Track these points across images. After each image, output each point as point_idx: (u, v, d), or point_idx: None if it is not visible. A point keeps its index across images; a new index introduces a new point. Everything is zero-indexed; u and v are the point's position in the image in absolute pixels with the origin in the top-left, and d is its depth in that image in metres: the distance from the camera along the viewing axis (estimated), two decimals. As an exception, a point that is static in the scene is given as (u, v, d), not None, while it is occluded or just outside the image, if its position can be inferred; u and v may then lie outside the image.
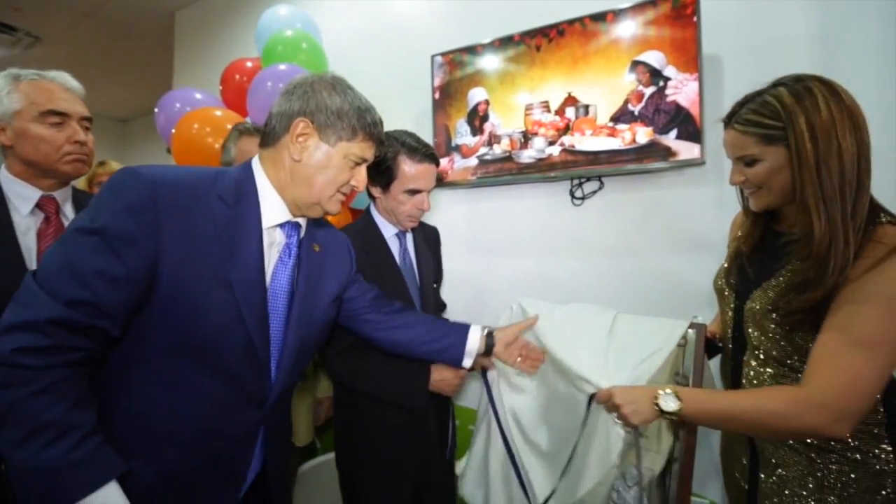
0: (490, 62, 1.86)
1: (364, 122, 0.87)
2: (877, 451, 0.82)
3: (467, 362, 1.15)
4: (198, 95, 1.98)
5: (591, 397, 0.98)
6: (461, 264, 1.96)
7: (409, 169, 1.22)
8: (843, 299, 0.78)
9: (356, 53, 2.26)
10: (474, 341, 1.14)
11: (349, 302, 1.09)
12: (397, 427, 1.26)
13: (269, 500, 0.92)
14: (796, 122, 0.80)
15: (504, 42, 1.82)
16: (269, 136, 0.87)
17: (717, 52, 1.50)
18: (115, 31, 3.46)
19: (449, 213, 2.01)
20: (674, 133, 1.53)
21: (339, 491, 1.34)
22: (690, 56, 1.48)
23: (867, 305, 0.75)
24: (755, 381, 0.93)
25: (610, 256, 1.68)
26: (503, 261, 1.90)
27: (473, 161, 1.93)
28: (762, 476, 0.93)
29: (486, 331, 1.17)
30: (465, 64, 1.91)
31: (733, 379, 1.01)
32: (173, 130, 1.77)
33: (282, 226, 0.88)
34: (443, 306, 1.61)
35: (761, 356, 0.92)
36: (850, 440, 0.83)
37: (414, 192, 1.24)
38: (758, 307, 0.90)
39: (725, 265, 1.05)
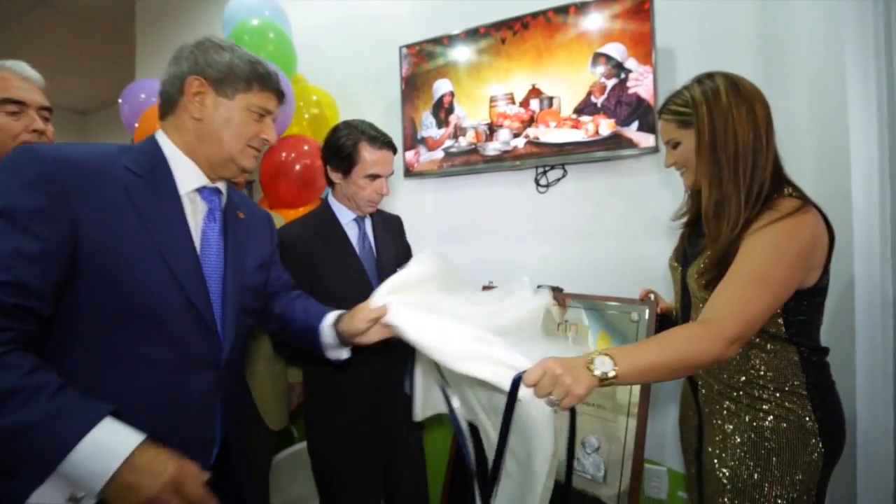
0: (456, 54, 1.88)
1: (257, 72, 0.88)
2: (801, 411, 0.91)
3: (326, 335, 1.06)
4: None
5: (516, 381, 0.76)
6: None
7: (369, 155, 1.28)
8: (740, 251, 0.90)
9: (326, 44, 2.26)
10: (330, 319, 1.06)
11: (272, 281, 1.10)
12: (364, 406, 1.31)
13: (232, 472, 0.93)
14: (699, 109, 0.95)
15: (470, 34, 1.84)
16: (165, 105, 0.88)
17: (670, 45, 1.58)
18: (70, 19, 3.32)
19: (417, 202, 2.05)
20: (635, 125, 1.59)
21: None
22: (648, 49, 1.55)
23: (759, 251, 0.88)
24: None
25: (574, 240, 1.76)
26: (472, 247, 1.95)
27: (439, 154, 1.95)
28: (708, 437, 1.02)
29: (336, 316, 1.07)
30: (431, 56, 1.92)
31: None
32: (137, 123, 1.74)
33: (200, 192, 0.88)
34: None
35: (698, 311, 1.02)
36: (782, 401, 0.92)
37: (374, 177, 1.31)
38: (693, 275, 1.01)
39: (677, 242, 1.16)
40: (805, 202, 0.90)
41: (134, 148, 0.84)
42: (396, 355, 1.36)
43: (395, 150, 1.34)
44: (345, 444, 1.31)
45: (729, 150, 0.93)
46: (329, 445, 1.33)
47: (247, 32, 1.87)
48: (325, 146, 1.34)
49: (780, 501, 0.90)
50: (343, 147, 1.28)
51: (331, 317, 1.04)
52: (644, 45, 1.56)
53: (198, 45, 0.87)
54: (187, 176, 0.86)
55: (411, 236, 1.80)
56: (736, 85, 0.95)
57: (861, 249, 1.08)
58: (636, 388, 1.23)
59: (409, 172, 2.00)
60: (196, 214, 0.87)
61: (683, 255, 1.10)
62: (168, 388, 0.80)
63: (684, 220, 1.14)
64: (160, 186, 0.82)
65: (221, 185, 0.93)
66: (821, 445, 0.90)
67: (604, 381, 0.75)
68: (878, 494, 1.06)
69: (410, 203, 2.05)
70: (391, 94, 2.02)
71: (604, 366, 0.75)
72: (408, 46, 1.96)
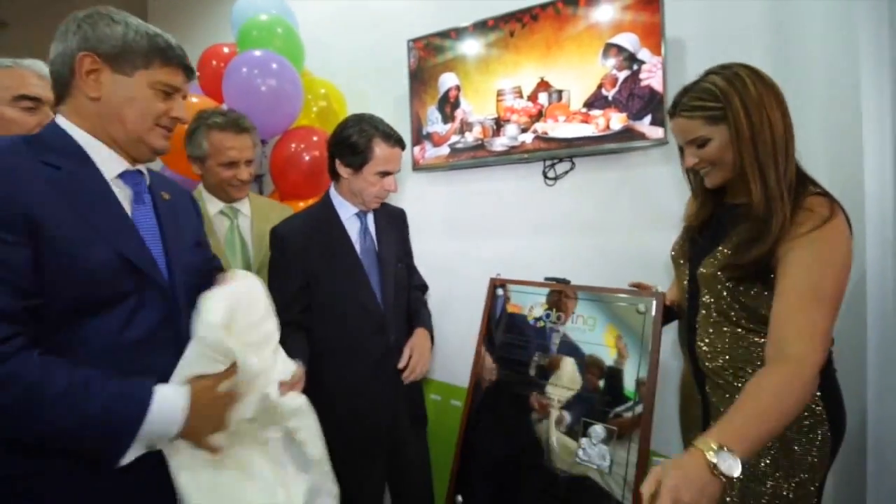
0: (463, 48, 1.86)
1: (157, 46, 0.82)
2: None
3: None
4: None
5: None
6: (437, 246, 2.02)
7: (382, 152, 1.29)
8: (789, 263, 0.87)
9: (333, 38, 2.26)
10: None
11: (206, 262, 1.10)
12: (364, 408, 1.33)
13: None
14: (732, 102, 0.90)
15: (478, 27, 1.82)
16: (58, 86, 0.82)
17: (680, 36, 1.56)
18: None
19: (424, 196, 2.06)
20: (648, 119, 1.55)
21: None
22: (658, 41, 1.52)
23: (811, 268, 0.85)
24: (707, 339, 1.03)
25: (582, 233, 1.76)
26: (479, 241, 1.96)
27: (445, 150, 1.92)
28: (711, 421, 1.03)
29: None
30: (439, 49, 1.90)
31: (689, 337, 1.10)
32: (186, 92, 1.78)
33: (122, 176, 0.86)
34: (423, 287, 1.65)
35: (713, 316, 1.01)
36: None
37: (385, 173, 1.31)
38: (709, 271, 0.99)
39: (679, 238, 1.14)
40: (832, 201, 0.89)
41: (39, 139, 0.80)
42: (393, 345, 1.38)
43: (404, 147, 1.35)
44: (345, 434, 1.31)
45: (767, 143, 0.89)
46: (329, 435, 1.35)
47: (255, 28, 1.89)
48: (336, 140, 1.32)
49: (790, 484, 0.91)
50: (357, 143, 1.27)
51: None
52: (655, 36, 1.52)
53: (86, 17, 0.81)
54: (108, 161, 0.84)
55: (420, 230, 1.81)
56: (758, 74, 0.92)
57: (874, 241, 1.07)
58: (640, 383, 1.23)
59: (416, 166, 2.00)
60: (124, 199, 0.86)
61: (692, 249, 1.09)
62: (135, 371, 0.81)
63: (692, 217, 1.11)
64: (83, 177, 0.80)
65: (142, 167, 0.92)
66: (828, 430, 0.91)
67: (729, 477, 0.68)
68: (888, 487, 1.06)
69: (419, 196, 2.06)
70: (399, 87, 2.03)
71: (731, 468, 0.68)
72: (414, 40, 1.95)
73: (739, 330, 0.98)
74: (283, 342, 1.27)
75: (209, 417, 0.82)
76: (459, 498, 1.44)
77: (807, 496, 0.92)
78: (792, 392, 0.78)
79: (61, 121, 0.83)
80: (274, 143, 1.97)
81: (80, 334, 0.77)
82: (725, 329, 1.00)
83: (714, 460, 0.69)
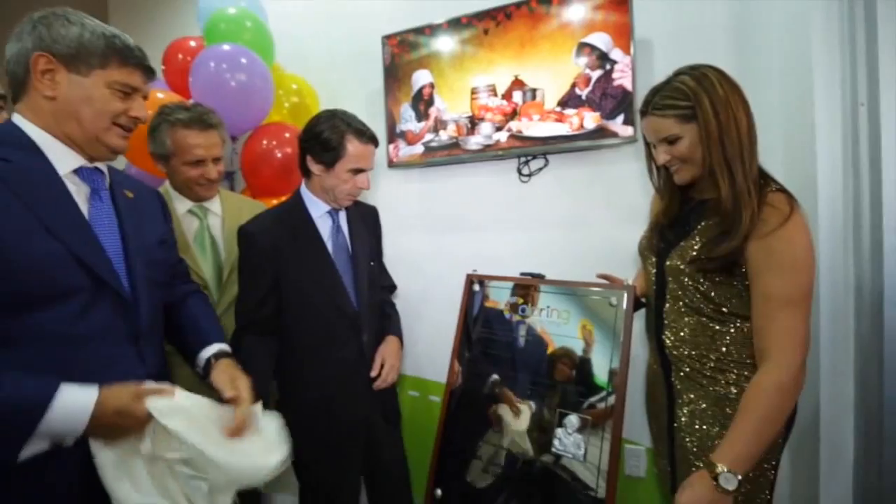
0: (437, 45, 1.85)
1: (115, 47, 0.83)
2: None
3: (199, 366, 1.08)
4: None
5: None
6: (413, 242, 2.02)
7: (354, 149, 1.27)
8: (762, 267, 0.93)
9: (304, 32, 2.22)
10: (210, 352, 1.07)
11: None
12: (339, 407, 1.33)
13: None
14: (702, 101, 0.94)
15: (452, 24, 1.82)
16: (14, 86, 0.84)
17: (648, 36, 1.61)
18: (43, 5, 3.19)
19: (400, 193, 2.05)
20: (620, 118, 1.58)
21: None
22: (628, 41, 1.55)
23: (781, 271, 0.91)
24: (673, 328, 1.08)
25: (555, 228, 1.79)
26: (455, 238, 1.97)
27: (419, 148, 1.91)
28: (678, 413, 1.08)
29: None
30: (413, 46, 1.89)
31: (656, 327, 1.14)
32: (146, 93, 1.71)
33: (79, 173, 0.87)
34: (391, 287, 1.64)
35: (679, 306, 1.06)
36: (749, 375, 0.98)
37: (357, 171, 1.29)
38: (677, 264, 1.04)
39: (647, 233, 1.19)
40: (790, 197, 0.94)
41: None
42: (366, 344, 1.38)
43: (377, 144, 1.34)
44: (321, 432, 1.32)
45: (735, 141, 0.94)
46: (305, 434, 1.32)
47: (223, 21, 1.84)
48: (308, 136, 1.29)
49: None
50: (329, 139, 1.25)
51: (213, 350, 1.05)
52: (625, 37, 1.56)
53: (41, 18, 0.82)
54: (62, 157, 0.84)
55: (396, 226, 1.81)
56: (724, 75, 0.97)
57: (826, 236, 1.14)
58: (611, 374, 1.28)
59: (391, 164, 2.00)
60: (79, 195, 0.86)
61: (660, 243, 1.13)
62: (89, 364, 0.82)
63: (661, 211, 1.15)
64: (35, 170, 0.81)
65: (102, 166, 0.92)
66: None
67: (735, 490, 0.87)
68: (838, 486, 1.13)
69: (394, 193, 2.06)
70: (373, 84, 2.01)
71: (730, 482, 0.87)
72: (388, 37, 1.93)
73: (704, 319, 1.03)
74: (239, 347, 1.25)
75: (116, 425, 0.80)
76: (438, 492, 1.46)
77: (764, 472, 0.99)
78: (777, 399, 0.90)
79: (17, 118, 0.84)
80: (245, 140, 1.93)
81: (30, 326, 0.77)
82: (690, 319, 1.05)
83: (720, 482, 0.87)
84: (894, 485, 0.99)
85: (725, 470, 0.87)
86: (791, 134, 1.30)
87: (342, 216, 1.41)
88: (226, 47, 1.73)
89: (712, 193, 1.00)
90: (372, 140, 1.31)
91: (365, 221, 1.48)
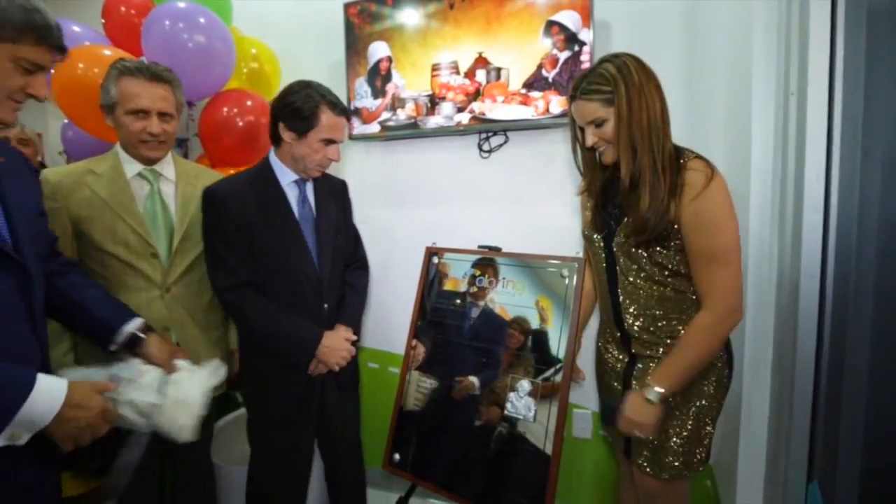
0: (400, 16, 1.78)
1: (34, 24, 0.80)
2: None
3: (117, 341, 1.10)
4: (76, 28, 1.76)
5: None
6: (375, 214, 2.03)
7: (328, 119, 1.28)
8: (691, 228, 1.04)
9: (264, -4, 2.14)
10: (134, 326, 1.11)
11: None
12: (293, 371, 1.35)
13: None
14: (618, 87, 1.04)
15: None
16: None
17: (606, 19, 1.66)
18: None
19: (362, 165, 2.05)
20: None
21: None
22: (589, 22, 1.55)
23: (709, 230, 1.03)
24: (629, 301, 1.17)
25: (514, 204, 1.85)
26: (415, 211, 1.99)
27: (375, 127, 1.85)
28: (636, 384, 1.18)
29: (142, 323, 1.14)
30: (375, 17, 1.82)
31: (612, 304, 1.21)
32: (52, 70, 1.60)
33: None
34: (361, 261, 1.61)
35: (631, 278, 1.15)
36: None
37: (329, 142, 1.31)
38: (623, 240, 1.13)
39: (587, 216, 1.27)
40: (707, 162, 1.05)
41: None
42: (327, 313, 1.41)
43: (349, 119, 1.37)
44: (274, 390, 1.36)
45: (643, 124, 1.04)
46: (258, 390, 1.39)
47: (177, -23, 1.74)
48: (281, 104, 1.30)
49: (699, 406, 1.13)
50: (302, 108, 1.26)
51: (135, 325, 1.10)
52: (587, 18, 1.55)
53: None
54: None
55: (358, 198, 1.79)
56: (642, 64, 1.07)
57: (756, 213, 1.24)
58: (563, 344, 1.36)
59: (351, 135, 1.97)
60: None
61: (603, 224, 1.20)
62: None
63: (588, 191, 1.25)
64: None
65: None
66: (726, 369, 1.15)
67: (662, 401, 1.05)
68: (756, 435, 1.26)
69: (355, 166, 2.05)
70: (336, 54, 1.96)
71: (653, 395, 1.05)
72: (349, 5, 1.86)
73: (655, 287, 1.13)
74: (239, 308, 1.31)
75: (73, 418, 0.82)
76: (396, 456, 1.52)
77: (702, 428, 1.14)
78: (710, 338, 1.06)
79: None
80: (203, 107, 1.85)
81: None
82: (645, 290, 1.14)
83: (646, 392, 1.06)
84: (800, 443, 1.13)
85: (654, 387, 1.05)
86: (731, 119, 1.39)
87: (309, 187, 1.41)
88: (181, 4, 1.65)
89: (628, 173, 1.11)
90: (344, 113, 1.33)
91: (333, 194, 1.48)
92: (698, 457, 1.14)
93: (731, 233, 1.04)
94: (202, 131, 1.84)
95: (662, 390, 1.05)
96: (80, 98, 1.55)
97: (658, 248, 1.10)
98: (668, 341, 1.14)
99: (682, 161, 1.06)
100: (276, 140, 1.33)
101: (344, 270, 1.50)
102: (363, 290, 1.56)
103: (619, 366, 1.25)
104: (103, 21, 1.84)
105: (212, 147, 1.84)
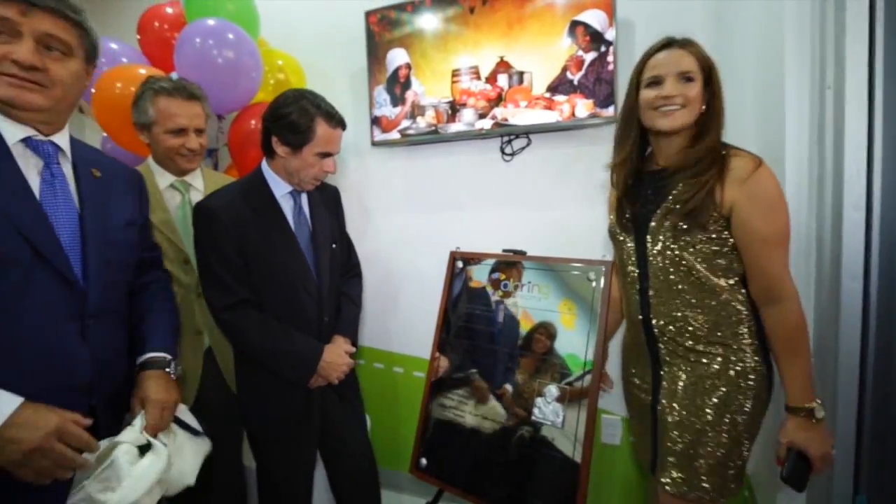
0: (419, 22, 1.77)
1: None
2: (753, 357, 1.06)
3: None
4: (113, 45, 1.83)
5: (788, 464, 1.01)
6: (398, 220, 2.05)
7: (324, 133, 1.25)
8: (747, 212, 1.00)
9: (291, 5, 2.19)
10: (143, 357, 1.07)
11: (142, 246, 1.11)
12: (293, 386, 1.32)
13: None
14: (714, 68, 1.07)
15: (436, 2, 1.75)
16: None
17: (629, 17, 1.63)
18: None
19: (383, 171, 2.06)
20: (613, 108, 1.52)
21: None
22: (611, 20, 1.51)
23: (770, 213, 1.00)
24: (660, 305, 1.11)
25: (538, 207, 1.83)
26: (439, 215, 1.99)
27: (395, 135, 1.82)
28: (663, 388, 1.12)
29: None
30: (395, 24, 1.81)
31: (642, 305, 1.14)
32: (93, 88, 1.68)
33: (29, 144, 0.87)
34: (355, 269, 1.58)
35: (663, 280, 1.09)
36: (730, 345, 1.06)
37: (325, 155, 1.28)
38: (658, 224, 1.09)
39: (614, 216, 1.23)
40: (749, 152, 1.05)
41: None
42: (326, 326, 1.38)
43: (345, 128, 1.33)
44: (273, 405, 1.32)
45: (723, 109, 1.07)
46: (259, 406, 1.34)
47: (206, -7, 1.80)
48: (274, 116, 1.25)
49: (736, 422, 1.04)
50: (297, 122, 1.22)
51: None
52: (610, 17, 1.51)
53: None
54: (7, 127, 0.84)
55: (380, 204, 1.81)
56: None
57: (792, 213, 1.19)
58: (591, 348, 1.33)
59: (374, 142, 1.99)
60: (28, 167, 0.86)
61: (631, 221, 1.16)
62: (28, 341, 0.82)
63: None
64: None
65: (58, 139, 0.92)
66: (767, 384, 1.07)
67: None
68: None
69: (378, 171, 2.07)
70: (357, 63, 1.99)
71: (820, 410, 0.98)
72: (370, 13, 1.87)
73: (688, 290, 1.07)
74: (238, 327, 1.25)
75: (18, 444, 0.75)
76: (423, 461, 1.52)
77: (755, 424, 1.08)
78: (799, 327, 1.01)
79: None
80: (232, 119, 1.91)
81: None
82: (676, 292, 1.08)
83: (815, 415, 0.98)
84: (846, 455, 1.07)
85: (813, 404, 0.98)
86: (763, 115, 1.35)
87: (303, 197, 1.38)
88: (211, 22, 1.70)
89: (664, 162, 1.11)
90: (340, 124, 1.29)
91: (326, 203, 1.45)
92: (732, 483, 1.05)
93: (787, 217, 1.02)
94: (231, 143, 1.89)
95: (818, 401, 0.99)
96: (116, 114, 1.62)
97: (699, 235, 1.04)
98: (701, 347, 1.07)
99: (723, 152, 1.05)
100: (269, 152, 1.30)
101: (340, 280, 1.47)
102: (358, 299, 1.53)
103: (645, 373, 1.20)
104: (138, 36, 1.92)
105: (239, 158, 1.89)
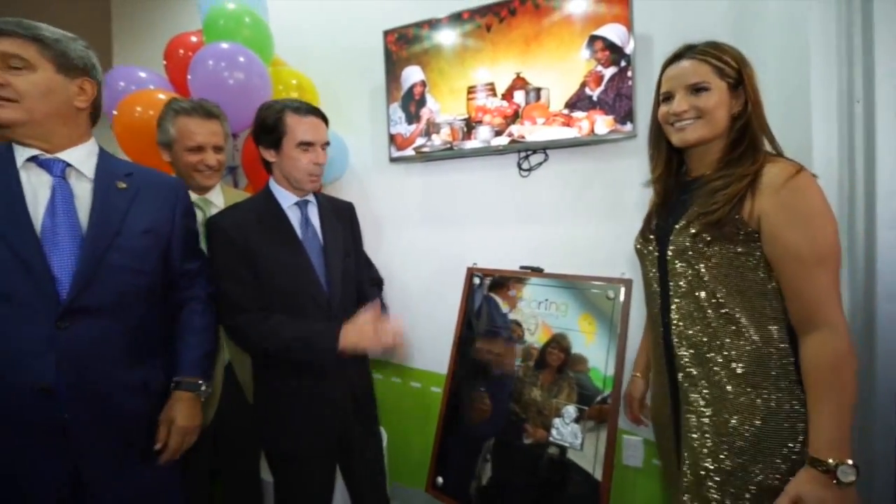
0: (436, 40, 1.77)
1: None
2: (792, 392, 0.90)
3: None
4: (142, 74, 1.91)
5: None
6: (415, 236, 2.05)
7: (295, 123, 1.27)
8: (781, 224, 0.87)
9: (305, 26, 2.23)
10: (176, 377, 1.14)
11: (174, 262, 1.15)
12: (315, 405, 1.30)
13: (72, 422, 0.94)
14: (746, 68, 0.98)
15: (452, 19, 1.75)
16: None
17: (648, 31, 1.61)
18: (45, 3, 3.20)
19: (401, 187, 2.07)
20: (632, 124, 1.48)
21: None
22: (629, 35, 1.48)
23: (807, 226, 0.86)
24: (682, 324, 1.00)
25: (555, 223, 1.80)
26: (456, 231, 1.99)
27: (410, 153, 1.83)
28: (684, 409, 1.01)
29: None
30: (412, 42, 1.83)
31: (664, 324, 1.06)
32: (115, 111, 1.73)
33: (41, 164, 0.96)
34: (378, 282, 1.59)
35: (684, 291, 0.99)
36: (775, 382, 0.91)
37: (306, 145, 1.28)
38: (682, 235, 0.98)
39: (640, 230, 1.16)
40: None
41: None
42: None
43: (324, 119, 1.33)
44: (291, 439, 1.30)
45: (764, 114, 0.98)
46: (277, 437, 1.32)
47: (222, 17, 1.85)
48: (253, 129, 1.32)
49: (790, 459, 0.89)
50: (266, 122, 1.27)
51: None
52: (630, 31, 1.49)
53: None
54: (18, 149, 0.95)
55: (397, 220, 1.81)
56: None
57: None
58: (610, 368, 1.30)
59: (392, 158, 2.00)
60: (41, 183, 0.95)
61: (656, 233, 1.09)
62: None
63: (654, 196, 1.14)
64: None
65: (66, 155, 0.98)
66: (803, 427, 0.88)
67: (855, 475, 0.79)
68: None
69: (394, 188, 2.07)
70: (375, 80, 2.01)
71: (848, 474, 0.78)
72: (388, 32, 1.89)
73: (710, 313, 0.96)
74: (246, 329, 1.24)
75: None
76: (440, 479, 1.50)
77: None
78: (849, 371, 0.83)
79: None
80: (245, 136, 1.95)
81: None
82: (698, 313, 0.97)
83: (840, 477, 0.78)
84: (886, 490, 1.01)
85: (839, 462, 0.79)
86: (787, 131, 1.31)
87: (312, 209, 1.39)
88: (224, 45, 1.74)
89: (705, 170, 1.02)
90: (311, 112, 1.30)
91: (339, 216, 1.45)
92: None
93: (832, 232, 0.86)
94: (244, 161, 1.93)
95: (850, 461, 0.79)
96: (137, 137, 1.67)
97: (728, 245, 0.93)
98: (717, 377, 0.95)
99: (760, 159, 0.96)
100: (266, 166, 1.35)
101: (355, 294, 1.45)
102: (379, 297, 1.51)
103: (664, 394, 1.10)
104: (165, 63, 1.98)
105: (253, 175, 1.93)
